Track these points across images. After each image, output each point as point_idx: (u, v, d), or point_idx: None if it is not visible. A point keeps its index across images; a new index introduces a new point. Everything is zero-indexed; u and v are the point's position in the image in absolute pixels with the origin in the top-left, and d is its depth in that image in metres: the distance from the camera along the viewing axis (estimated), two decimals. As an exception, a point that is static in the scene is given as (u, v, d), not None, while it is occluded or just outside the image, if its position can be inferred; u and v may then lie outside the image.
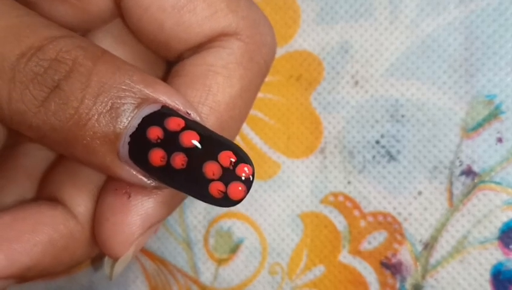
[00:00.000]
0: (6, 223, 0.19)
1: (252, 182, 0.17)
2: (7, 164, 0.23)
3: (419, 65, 0.26)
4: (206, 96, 0.20)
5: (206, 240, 0.28)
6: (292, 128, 0.28)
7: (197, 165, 0.17)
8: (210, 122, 0.20)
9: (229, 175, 0.17)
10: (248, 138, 0.28)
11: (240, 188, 0.17)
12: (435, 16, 0.26)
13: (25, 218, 0.19)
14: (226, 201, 0.17)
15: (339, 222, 0.27)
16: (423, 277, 0.25)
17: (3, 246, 0.19)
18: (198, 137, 0.17)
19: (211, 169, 0.17)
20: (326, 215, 0.27)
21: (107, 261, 0.21)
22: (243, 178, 0.17)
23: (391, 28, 0.27)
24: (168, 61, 0.23)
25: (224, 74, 0.20)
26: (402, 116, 0.26)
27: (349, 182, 0.27)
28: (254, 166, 0.17)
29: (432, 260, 0.25)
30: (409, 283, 0.26)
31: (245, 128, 0.29)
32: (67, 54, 0.17)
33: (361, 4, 0.27)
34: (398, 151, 0.26)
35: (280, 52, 0.28)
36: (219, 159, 0.17)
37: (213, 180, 0.17)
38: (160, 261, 0.29)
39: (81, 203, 0.20)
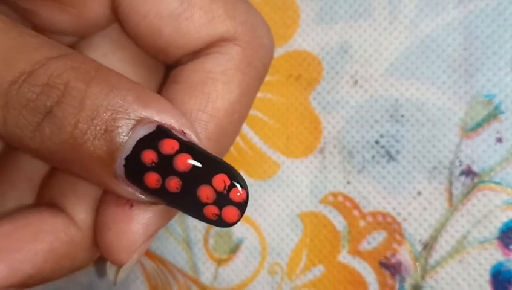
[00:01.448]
0: (7, 231, 0.19)
1: (246, 205, 0.18)
2: (7, 167, 0.23)
3: (418, 65, 0.26)
4: (205, 103, 0.20)
5: (205, 240, 0.28)
6: (291, 128, 0.28)
7: (191, 189, 0.17)
8: (209, 129, 0.20)
9: (223, 199, 0.17)
10: (247, 137, 0.28)
11: (234, 212, 0.18)
12: (434, 16, 0.26)
13: (26, 226, 0.19)
14: (221, 223, 0.18)
15: (338, 222, 0.27)
16: (423, 277, 0.25)
17: (4, 255, 0.19)
18: (192, 161, 0.17)
19: (205, 193, 0.17)
20: (325, 215, 0.27)
21: (110, 267, 0.21)
22: (237, 202, 0.18)
23: (390, 28, 0.27)
24: (167, 64, 0.23)
25: (223, 80, 0.20)
26: (402, 116, 0.26)
27: (348, 182, 0.27)
28: (248, 189, 0.18)
29: (431, 260, 0.25)
30: (408, 283, 0.26)
31: (244, 127, 0.29)
32: (58, 78, 0.17)
33: (360, 4, 0.27)
34: (397, 151, 0.26)
35: (279, 52, 0.28)
36: (213, 183, 0.17)
37: (208, 203, 0.17)
38: (159, 261, 0.29)
39: (82, 210, 0.21)
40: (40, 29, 0.22)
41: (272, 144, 0.28)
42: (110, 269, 0.21)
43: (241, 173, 0.28)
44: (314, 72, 0.28)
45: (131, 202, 0.19)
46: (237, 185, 0.17)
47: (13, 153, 0.23)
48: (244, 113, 0.22)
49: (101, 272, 0.30)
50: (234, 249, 0.28)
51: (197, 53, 0.21)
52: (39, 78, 0.17)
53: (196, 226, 0.29)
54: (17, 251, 0.19)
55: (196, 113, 0.20)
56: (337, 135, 0.27)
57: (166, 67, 0.23)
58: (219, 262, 0.28)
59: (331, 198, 0.27)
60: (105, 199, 0.20)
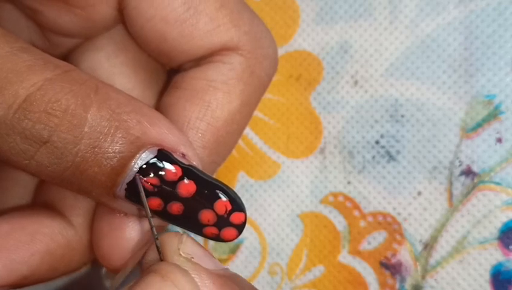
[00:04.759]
0: (5, 231, 0.19)
1: (244, 226, 0.18)
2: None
3: (419, 65, 0.26)
4: (204, 111, 0.20)
5: (205, 240, 0.28)
6: (292, 128, 0.28)
7: (193, 213, 0.18)
8: (206, 137, 0.20)
9: (223, 222, 0.18)
10: (248, 137, 0.28)
11: (233, 232, 0.18)
12: (434, 15, 0.26)
13: (24, 227, 0.19)
14: (218, 240, 0.19)
15: (338, 222, 0.27)
16: (423, 277, 0.25)
17: (1, 255, 0.19)
18: (195, 188, 0.18)
19: (206, 217, 0.18)
20: (326, 215, 0.27)
21: (106, 272, 0.21)
22: (236, 224, 0.18)
23: (391, 28, 0.27)
24: (169, 69, 0.23)
25: (224, 90, 0.20)
26: (402, 116, 0.26)
27: (349, 182, 0.27)
28: (246, 211, 0.18)
29: (432, 260, 0.25)
30: (409, 283, 0.26)
31: (245, 128, 0.29)
32: (57, 105, 0.16)
33: (360, 4, 0.27)
34: (398, 152, 0.26)
35: (280, 52, 0.28)
36: (214, 207, 0.18)
37: (208, 225, 0.18)
38: (159, 261, 0.29)
39: (79, 213, 0.21)
40: (45, 29, 0.21)
41: (272, 144, 0.28)
42: (105, 275, 0.21)
43: (242, 173, 0.28)
44: (314, 72, 0.28)
45: None
46: (237, 209, 0.18)
47: None
48: (243, 123, 0.22)
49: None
50: (234, 249, 0.28)
51: (200, 60, 0.21)
52: (36, 105, 0.16)
53: (196, 226, 0.29)
54: (14, 251, 0.19)
55: (195, 121, 0.20)
56: (337, 135, 0.27)
57: (167, 72, 0.23)
58: (219, 262, 0.28)
59: (331, 198, 0.27)
60: (101, 205, 0.20)
